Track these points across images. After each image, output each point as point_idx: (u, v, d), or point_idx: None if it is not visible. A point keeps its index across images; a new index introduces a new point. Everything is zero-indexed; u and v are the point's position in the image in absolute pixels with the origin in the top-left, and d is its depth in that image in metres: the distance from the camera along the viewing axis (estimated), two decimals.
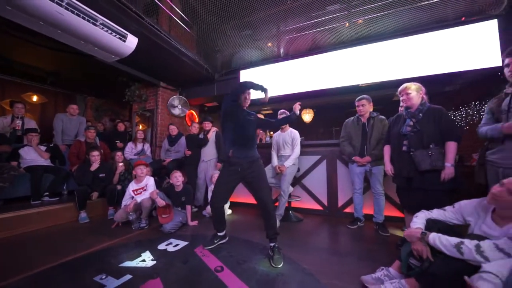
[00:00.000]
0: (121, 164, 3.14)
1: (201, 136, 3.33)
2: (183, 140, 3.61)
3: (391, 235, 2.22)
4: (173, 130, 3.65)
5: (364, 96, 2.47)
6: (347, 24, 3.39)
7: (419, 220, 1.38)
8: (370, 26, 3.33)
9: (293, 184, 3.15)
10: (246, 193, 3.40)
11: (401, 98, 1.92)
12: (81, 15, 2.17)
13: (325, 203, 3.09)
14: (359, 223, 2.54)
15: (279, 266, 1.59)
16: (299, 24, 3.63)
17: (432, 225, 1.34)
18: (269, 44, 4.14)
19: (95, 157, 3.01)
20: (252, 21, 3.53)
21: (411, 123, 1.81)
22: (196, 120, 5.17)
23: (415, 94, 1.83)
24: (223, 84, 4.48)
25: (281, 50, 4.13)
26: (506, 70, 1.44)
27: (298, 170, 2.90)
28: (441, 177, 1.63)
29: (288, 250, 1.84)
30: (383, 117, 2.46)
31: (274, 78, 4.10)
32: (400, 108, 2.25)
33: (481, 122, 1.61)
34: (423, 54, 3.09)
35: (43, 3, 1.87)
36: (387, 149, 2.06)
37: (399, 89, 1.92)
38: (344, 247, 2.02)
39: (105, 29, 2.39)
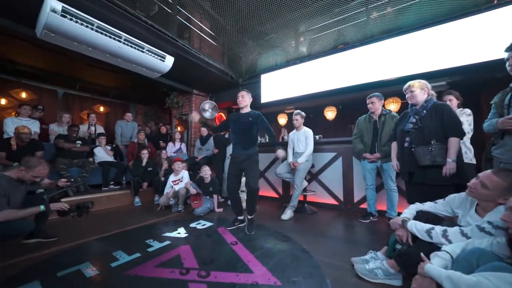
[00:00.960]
0: (166, 162, 3.84)
1: (226, 136, 3.80)
2: (212, 140, 4.15)
3: None
4: (204, 131, 4.23)
5: (375, 93, 2.52)
6: (374, 15, 3.27)
7: (408, 211, 1.50)
8: (397, 17, 3.18)
9: (309, 180, 3.36)
10: (265, 187, 3.75)
11: (406, 96, 1.98)
12: (134, 46, 2.83)
13: (341, 198, 3.20)
14: (371, 217, 2.61)
15: (252, 233, 2.12)
16: (322, 24, 3.69)
17: (421, 216, 1.45)
18: (292, 44, 4.28)
19: (145, 154, 3.77)
20: (274, 27, 3.74)
21: (414, 120, 1.86)
22: None
23: (419, 91, 1.87)
24: (246, 87, 4.87)
25: (303, 51, 4.26)
26: (507, 64, 1.42)
27: (313, 166, 3.09)
28: (443, 173, 1.67)
29: (295, 235, 2.11)
30: (395, 114, 2.47)
31: (296, 79, 4.24)
32: None
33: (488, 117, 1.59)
34: (463, 42, 2.81)
35: (111, 42, 2.55)
36: (394, 146, 2.13)
37: (404, 87, 1.98)
38: (348, 236, 2.19)
39: (150, 53, 3.03)
